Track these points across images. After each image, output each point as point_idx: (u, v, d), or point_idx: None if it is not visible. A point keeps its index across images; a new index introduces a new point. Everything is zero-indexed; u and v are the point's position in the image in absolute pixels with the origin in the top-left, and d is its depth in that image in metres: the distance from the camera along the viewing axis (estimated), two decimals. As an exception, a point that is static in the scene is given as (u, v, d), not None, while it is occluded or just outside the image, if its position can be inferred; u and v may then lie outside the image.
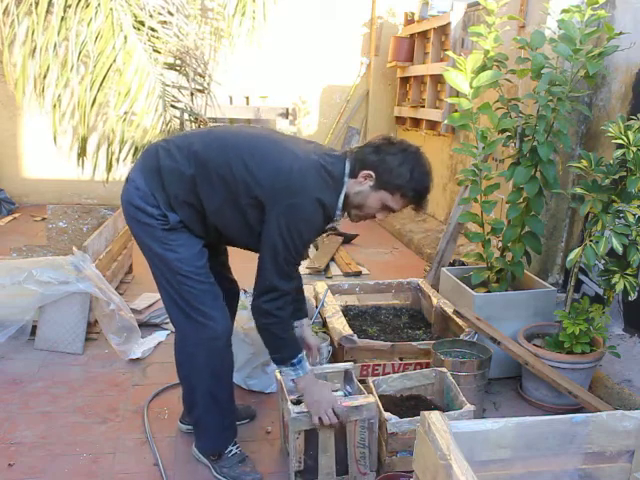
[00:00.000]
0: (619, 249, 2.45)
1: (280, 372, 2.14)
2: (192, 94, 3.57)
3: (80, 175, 3.51)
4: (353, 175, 1.97)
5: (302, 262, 1.99)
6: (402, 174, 1.91)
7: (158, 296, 3.69)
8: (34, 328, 3.15)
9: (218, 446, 2.23)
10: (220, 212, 1.98)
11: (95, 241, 3.41)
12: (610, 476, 1.64)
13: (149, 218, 1.97)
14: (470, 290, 2.99)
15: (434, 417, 1.46)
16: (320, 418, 2.04)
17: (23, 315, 3.10)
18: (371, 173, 1.93)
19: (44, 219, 4.67)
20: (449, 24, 5.13)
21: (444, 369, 2.44)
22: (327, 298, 3.08)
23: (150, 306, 3.59)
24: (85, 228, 4.04)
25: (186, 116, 3.51)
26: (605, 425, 1.58)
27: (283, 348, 2.04)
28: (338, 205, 1.99)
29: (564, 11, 2.84)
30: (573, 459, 1.60)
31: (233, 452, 2.22)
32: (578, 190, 2.61)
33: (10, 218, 5.93)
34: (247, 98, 6.47)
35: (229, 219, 2.00)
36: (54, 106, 3.40)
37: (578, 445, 1.58)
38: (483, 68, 2.94)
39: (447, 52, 3.94)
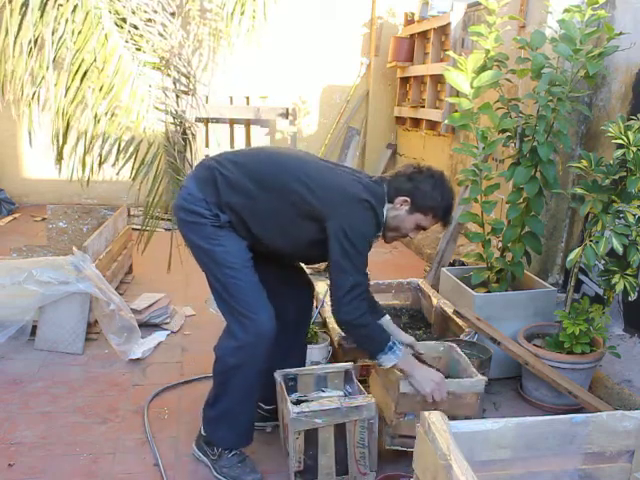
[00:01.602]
0: (619, 249, 2.45)
1: (381, 364, 2.16)
2: (177, 96, 3.51)
3: (79, 175, 3.48)
4: (390, 201, 2.16)
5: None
6: (435, 197, 2.14)
7: (158, 296, 3.73)
8: (34, 328, 3.15)
9: (240, 442, 2.24)
10: (268, 221, 2.14)
11: (95, 241, 3.41)
12: (610, 476, 1.64)
13: (199, 217, 2.11)
14: (470, 290, 2.99)
15: (434, 417, 1.46)
16: (432, 395, 2.13)
17: (23, 315, 3.10)
18: (407, 199, 2.13)
19: (44, 219, 4.67)
20: (449, 24, 5.13)
21: (452, 343, 2.45)
22: (327, 298, 3.07)
23: (150, 306, 3.59)
24: (85, 228, 4.04)
25: (171, 118, 3.46)
26: (605, 425, 1.58)
27: (379, 336, 2.16)
28: (381, 221, 2.16)
29: (565, 11, 2.84)
30: (573, 459, 1.61)
31: (234, 452, 2.22)
32: (578, 190, 2.61)
33: (10, 218, 5.93)
34: (247, 98, 6.47)
35: (274, 227, 2.15)
36: (29, 105, 3.36)
37: (578, 445, 1.58)
38: (483, 68, 2.94)
39: (447, 52, 3.95)
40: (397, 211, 2.15)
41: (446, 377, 2.33)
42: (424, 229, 2.22)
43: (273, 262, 2.30)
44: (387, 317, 2.40)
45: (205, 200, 2.10)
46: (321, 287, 3.21)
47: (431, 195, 2.13)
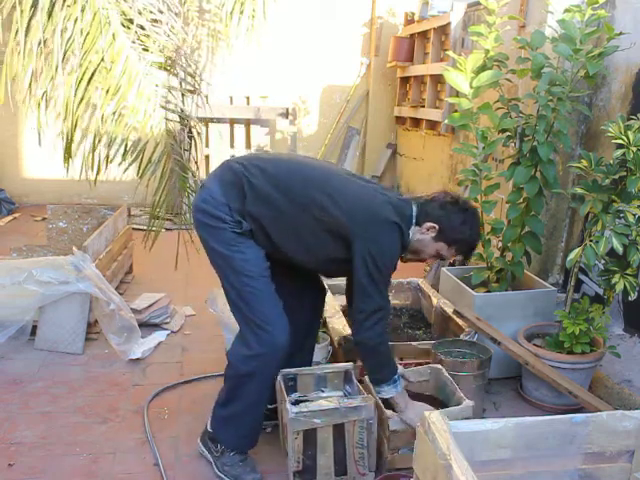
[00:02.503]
0: (619, 249, 2.45)
1: (379, 393, 2.19)
2: (183, 95, 3.53)
3: (87, 175, 3.49)
4: (417, 223, 2.13)
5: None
6: (463, 231, 2.13)
7: (158, 296, 3.73)
8: (34, 328, 3.15)
9: (245, 444, 2.25)
10: (291, 234, 2.10)
11: (95, 241, 3.41)
12: (610, 476, 1.63)
13: (220, 222, 2.05)
14: (470, 290, 2.99)
15: (434, 417, 1.46)
16: None
17: (23, 315, 3.10)
18: (435, 226, 2.11)
19: (44, 219, 4.68)
20: (449, 24, 5.12)
21: (439, 365, 2.45)
22: (327, 298, 3.07)
23: (150, 306, 3.59)
24: (85, 228, 4.04)
25: (176, 117, 3.47)
26: (605, 425, 1.58)
27: (388, 365, 2.18)
28: (407, 242, 2.14)
29: (565, 11, 2.84)
30: (573, 459, 1.60)
31: (235, 451, 2.23)
32: (578, 190, 2.61)
33: (10, 218, 5.93)
34: (247, 98, 6.47)
35: (297, 240, 2.11)
36: (38, 105, 3.37)
37: (578, 445, 1.58)
38: (483, 68, 2.94)
39: (447, 52, 3.95)
40: (423, 235, 2.12)
41: (434, 399, 2.41)
42: (442, 259, 2.24)
43: (290, 267, 2.27)
44: None
45: (228, 205, 2.05)
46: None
47: (460, 229, 2.12)
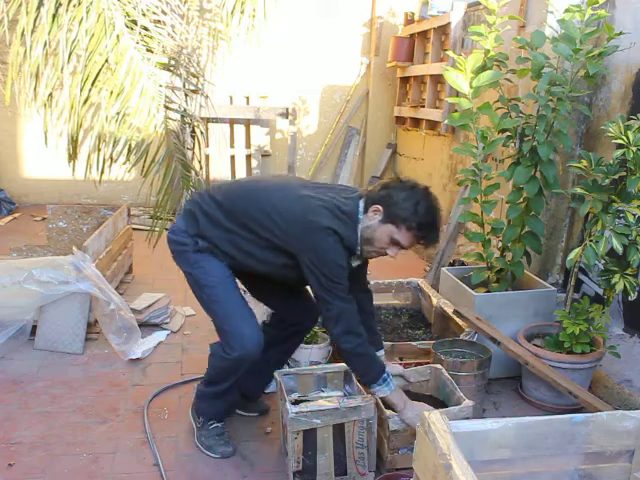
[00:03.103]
0: (619, 249, 2.45)
1: (374, 394, 2.19)
2: (186, 95, 3.54)
3: (78, 175, 3.49)
4: (366, 210, 2.12)
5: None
6: (406, 207, 2.05)
7: (158, 296, 3.73)
8: (34, 328, 3.15)
9: (217, 416, 2.42)
10: (244, 251, 2.21)
11: (95, 241, 3.41)
12: (610, 476, 1.63)
13: (183, 246, 2.26)
14: (470, 290, 2.99)
15: (434, 417, 1.46)
16: None
17: (23, 315, 3.10)
18: (379, 207, 2.08)
19: (44, 219, 4.67)
20: (449, 24, 5.12)
21: (439, 365, 2.45)
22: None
23: (150, 306, 3.59)
24: (85, 228, 4.04)
25: (179, 117, 3.48)
26: (605, 425, 1.58)
27: (373, 365, 2.18)
28: (358, 240, 2.13)
29: (565, 11, 2.84)
30: (573, 459, 1.60)
31: (214, 425, 2.39)
32: (578, 190, 2.61)
33: (10, 218, 5.93)
34: (247, 98, 6.47)
35: (251, 256, 2.22)
36: (44, 105, 3.37)
37: (578, 445, 1.58)
38: (483, 68, 2.94)
39: (447, 52, 3.95)
40: (370, 221, 2.10)
41: (434, 399, 2.40)
42: (402, 246, 2.12)
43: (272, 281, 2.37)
44: (382, 352, 2.46)
45: (187, 231, 2.25)
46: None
47: (403, 205, 2.05)
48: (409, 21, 6.09)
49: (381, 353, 2.45)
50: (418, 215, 2.05)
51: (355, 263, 2.24)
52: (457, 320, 2.89)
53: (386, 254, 2.15)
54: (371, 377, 2.18)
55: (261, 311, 2.72)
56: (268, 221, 2.13)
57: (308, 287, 2.53)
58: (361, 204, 2.13)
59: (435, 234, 2.13)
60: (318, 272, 2.05)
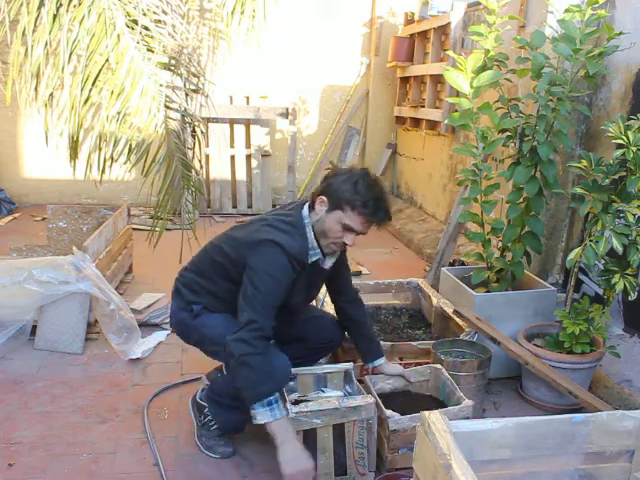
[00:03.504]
0: (619, 249, 2.45)
1: (254, 418, 2.01)
2: (187, 94, 3.54)
3: (79, 175, 3.50)
4: (313, 209, 2.19)
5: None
6: (346, 189, 2.10)
7: (158, 296, 3.73)
8: (34, 328, 3.15)
9: (228, 429, 2.39)
10: (227, 299, 2.24)
11: (95, 241, 3.41)
12: (610, 476, 1.63)
13: (184, 321, 2.34)
14: (470, 290, 2.99)
15: (434, 417, 1.46)
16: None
17: (23, 315, 3.10)
18: (323, 197, 2.14)
19: (44, 219, 4.68)
20: (449, 24, 5.13)
21: (439, 365, 2.45)
22: (327, 298, 3.07)
23: (150, 306, 3.59)
24: (85, 228, 4.04)
25: (179, 116, 3.48)
26: (605, 425, 1.58)
27: (259, 384, 2.01)
28: (310, 245, 2.18)
29: (565, 11, 2.84)
30: (573, 459, 1.60)
31: (216, 427, 2.36)
32: (578, 190, 2.61)
33: (10, 218, 5.93)
34: (247, 98, 6.47)
35: (228, 299, 2.24)
36: (45, 105, 3.38)
37: (578, 445, 1.58)
38: (483, 68, 2.94)
39: (447, 52, 3.95)
40: (318, 214, 2.16)
41: (434, 399, 2.41)
42: (354, 230, 2.13)
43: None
44: (382, 360, 2.48)
45: (179, 307, 2.35)
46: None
47: (342, 188, 2.10)
48: (409, 21, 6.09)
49: (380, 362, 2.47)
50: (359, 193, 2.08)
51: (328, 263, 2.27)
52: (457, 320, 2.89)
53: (345, 244, 2.18)
54: (253, 393, 2.00)
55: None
56: (228, 261, 2.22)
57: (317, 302, 2.60)
58: (305, 207, 2.21)
59: (382, 210, 2.13)
60: (248, 281, 2.08)
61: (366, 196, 2.09)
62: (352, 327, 2.55)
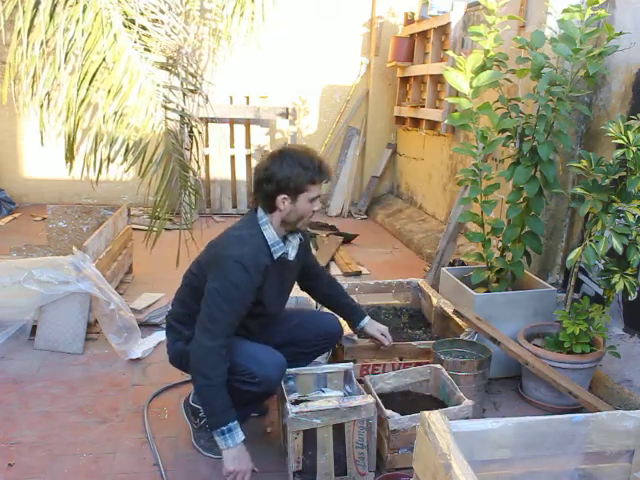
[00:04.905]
0: (619, 249, 2.45)
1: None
2: (184, 94, 3.54)
3: (75, 175, 3.50)
4: (271, 210, 2.19)
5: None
6: (296, 172, 2.12)
7: (158, 296, 3.74)
8: (34, 328, 3.15)
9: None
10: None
11: (95, 241, 3.41)
12: (610, 476, 1.63)
13: (181, 351, 2.30)
14: (470, 290, 2.99)
15: (434, 417, 1.46)
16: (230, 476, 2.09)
17: (23, 315, 3.10)
18: (283, 195, 2.15)
19: (44, 219, 4.68)
20: (449, 24, 5.13)
21: (439, 365, 2.45)
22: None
23: (150, 306, 3.59)
24: (85, 228, 4.04)
25: (177, 116, 3.48)
26: (605, 425, 1.58)
27: (209, 415, 2.11)
28: (271, 241, 2.19)
29: (565, 11, 2.84)
30: (573, 459, 1.60)
31: None
32: (578, 190, 2.61)
33: (10, 218, 5.93)
34: (247, 98, 6.47)
35: None
36: (41, 106, 3.37)
37: (578, 445, 1.58)
38: (483, 68, 2.94)
39: (447, 52, 3.95)
40: (285, 210, 2.17)
41: (434, 399, 2.42)
42: (317, 197, 2.21)
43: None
44: (367, 320, 2.61)
45: (173, 340, 2.37)
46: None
47: (292, 174, 2.12)
48: (409, 21, 6.10)
49: (366, 321, 2.61)
50: (308, 168, 2.12)
51: (292, 254, 2.28)
52: (457, 320, 2.89)
53: (313, 212, 2.23)
54: (209, 422, 2.14)
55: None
56: (197, 282, 2.25)
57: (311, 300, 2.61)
58: (259, 211, 2.21)
59: (324, 165, 2.18)
60: (211, 287, 2.10)
61: (312, 165, 2.14)
62: (334, 302, 2.64)
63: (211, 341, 2.06)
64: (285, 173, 2.12)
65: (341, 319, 2.68)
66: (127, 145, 3.43)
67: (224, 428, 2.05)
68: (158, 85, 3.41)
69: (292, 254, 2.29)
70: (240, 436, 2.08)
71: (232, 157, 6.47)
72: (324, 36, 6.45)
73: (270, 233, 2.20)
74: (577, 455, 1.60)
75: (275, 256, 2.21)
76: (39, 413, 2.61)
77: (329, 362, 2.78)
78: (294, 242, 2.30)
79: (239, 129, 6.45)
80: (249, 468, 2.11)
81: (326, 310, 2.69)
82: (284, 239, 2.26)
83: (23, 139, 6.33)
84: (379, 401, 2.21)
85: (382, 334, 2.61)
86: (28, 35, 3.24)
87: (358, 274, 4.56)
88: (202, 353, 2.07)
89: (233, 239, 2.19)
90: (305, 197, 2.16)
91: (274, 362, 2.20)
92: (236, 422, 2.08)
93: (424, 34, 5.88)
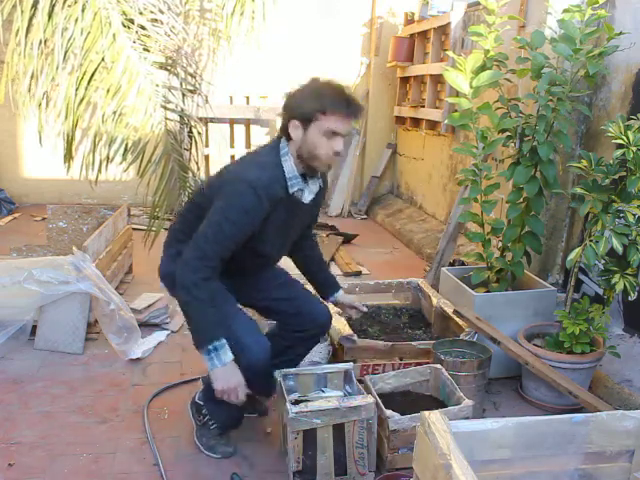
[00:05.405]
0: (619, 249, 2.45)
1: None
2: (183, 94, 3.54)
3: (74, 175, 3.50)
4: (287, 138, 2.11)
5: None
6: (309, 99, 2.03)
7: (158, 296, 3.73)
8: (34, 328, 3.15)
9: (227, 425, 2.39)
10: None
11: (95, 241, 3.41)
12: (610, 476, 1.63)
13: (170, 271, 2.19)
14: (470, 290, 2.99)
15: (434, 417, 1.46)
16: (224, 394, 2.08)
17: (23, 315, 3.10)
18: (294, 121, 2.05)
19: (44, 219, 4.67)
20: (449, 24, 5.13)
21: (439, 365, 2.45)
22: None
23: (150, 306, 3.59)
24: (85, 228, 4.04)
25: (176, 116, 3.48)
26: (605, 425, 1.58)
27: (195, 332, 2.09)
28: (289, 174, 2.09)
29: (565, 11, 2.84)
30: (573, 459, 1.60)
31: (216, 426, 2.36)
32: (578, 190, 2.61)
33: (10, 218, 5.93)
34: (247, 98, 6.47)
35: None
36: (39, 105, 3.37)
37: (578, 445, 1.58)
38: (483, 68, 2.94)
39: (447, 52, 3.95)
40: (297, 140, 2.06)
41: (434, 399, 2.40)
42: (340, 133, 2.05)
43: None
44: (341, 292, 2.59)
45: (168, 256, 2.37)
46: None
47: (304, 101, 2.03)
48: (409, 21, 6.10)
49: (340, 293, 2.58)
50: (323, 96, 2.02)
51: (308, 197, 2.17)
52: (457, 320, 2.89)
53: (337, 154, 2.08)
54: (194, 340, 2.08)
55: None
56: (203, 200, 2.17)
57: (309, 288, 2.57)
58: (282, 140, 2.12)
59: (351, 99, 2.06)
60: (217, 206, 2.03)
61: (329, 94, 2.03)
62: (311, 266, 2.57)
63: (200, 260, 2.00)
64: (300, 99, 2.05)
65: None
66: (126, 145, 3.43)
67: (210, 347, 2.00)
68: (157, 85, 3.41)
69: (308, 198, 2.18)
70: (229, 356, 2.03)
71: (232, 157, 6.46)
72: (324, 36, 6.45)
73: (289, 165, 2.10)
74: (577, 455, 1.60)
75: (291, 190, 2.11)
76: (39, 413, 2.61)
77: (329, 362, 2.78)
78: (313, 187, 2.20)
79: (239, 129, 6.45)
80: (240, 383, 2.06)
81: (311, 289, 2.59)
82: (304, 178, 2.15)
83: (23, 139, 6.33)
84: (379, 401, 2.21)
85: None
86: (26, 35, 3.24)
87: (358, 274, 4.56)
88: (190, 268, 2.00)
89: (255, 165, 2.10)
90: (317, 128, 2.02)
91: (258, 344, 2.14)
92: (223, 342, 2.02)
93: (424, 34, 5.88)
